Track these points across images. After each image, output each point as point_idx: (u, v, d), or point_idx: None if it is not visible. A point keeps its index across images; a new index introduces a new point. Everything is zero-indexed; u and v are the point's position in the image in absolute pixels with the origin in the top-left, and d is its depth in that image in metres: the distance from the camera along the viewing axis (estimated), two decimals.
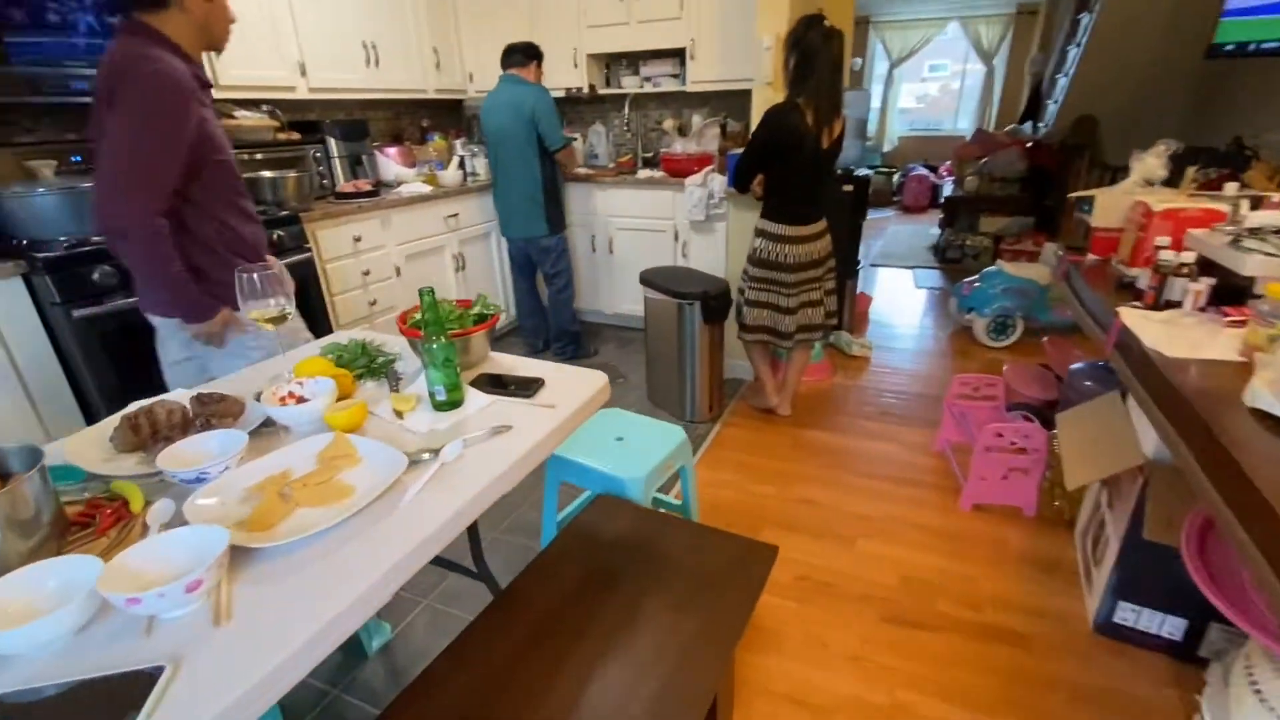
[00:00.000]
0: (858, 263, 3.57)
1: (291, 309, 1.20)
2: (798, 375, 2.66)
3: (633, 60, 3.67)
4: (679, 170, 3.24)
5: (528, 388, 1.17)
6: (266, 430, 1.04)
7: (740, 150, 2.54)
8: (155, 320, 1.49)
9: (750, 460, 2.39)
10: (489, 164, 3.10)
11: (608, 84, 3.77)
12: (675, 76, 3.48)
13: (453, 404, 1.10)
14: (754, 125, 2.40)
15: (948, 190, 5.88)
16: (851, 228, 3.29)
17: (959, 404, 2.32)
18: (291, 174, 2.41)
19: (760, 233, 2.36)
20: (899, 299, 4.39)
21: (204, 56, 2.03)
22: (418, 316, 1.29)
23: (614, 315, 3.79)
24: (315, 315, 2.40)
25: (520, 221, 3.09)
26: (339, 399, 1.09)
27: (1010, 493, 2.02)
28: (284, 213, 2.27)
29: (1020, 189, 4.97)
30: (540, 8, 3.55)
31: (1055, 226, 4.84)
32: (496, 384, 1.19)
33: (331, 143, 2.85)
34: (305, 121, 2.90)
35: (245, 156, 2.48)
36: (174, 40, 1.33)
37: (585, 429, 1.64)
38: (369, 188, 2.74)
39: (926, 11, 7.47)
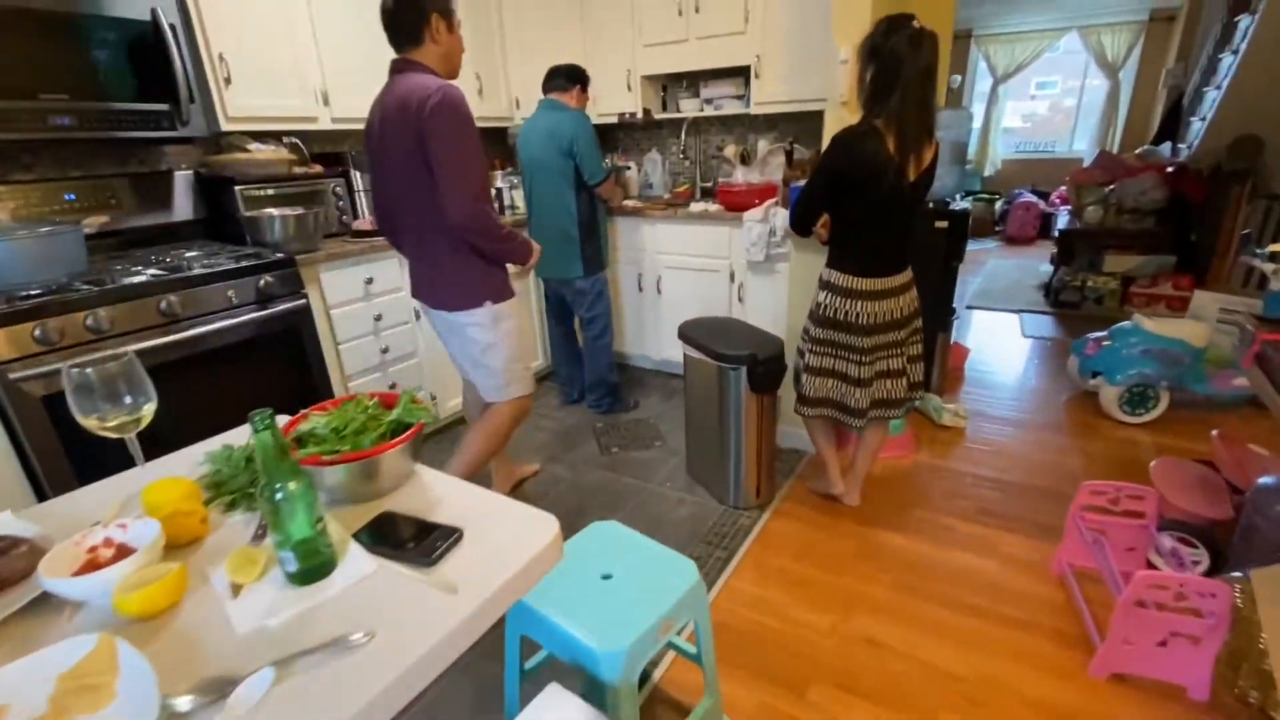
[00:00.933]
0: (951, 311, 3.00)
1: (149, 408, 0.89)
2: (871, 458, 2.15)
3: (692, 81, 3.31)
4: (737, 204, 2.82)
5: (431, 549, 0.79)
6: (54, 603, 0.72)
7: (803, 182, 2.10)
8: (461, 317, 1.79)
9: (802, 571, 1.90)
10: (525, 197, 2.81)
11: (664, 108, 3.43)
12: (739, 98, 3.08)
13: (311, 574, 0.74)
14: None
15: (1063, 221, 5.10)
16: (945, 271, 2.74)
17: (1090, 519, 1.74)
18: (291, 212, 2.20)
19: (826, 285, 1.90)
20: (1001, 350, 3.73)
21: (215, 89, 2.08)
22: (303, 427, 0.95)
23: (661, 361, 3.40)
24: (310, 368, 2.15)
25: (553, 261, 2.77)
26: (172, 548, 0.76)
27: (1170, 665, 1.43)
28: (276, 256, 2.05)
29: (1156, 222, 4.18)
30: (592, 28, 3.27)
31: (1203, 269, 4.02)
32: (392, 537, 0.82)
33: (356, 176, 2.66)
34: (333, 154, 2.72)
35: (255, 192, 2.30)
36: (433, 69, 1.63)
37: (566, 553, 1.24)
38: None
39: (1041, 22, 6.69)
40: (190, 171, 2.30)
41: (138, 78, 1.91)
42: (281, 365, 2.06)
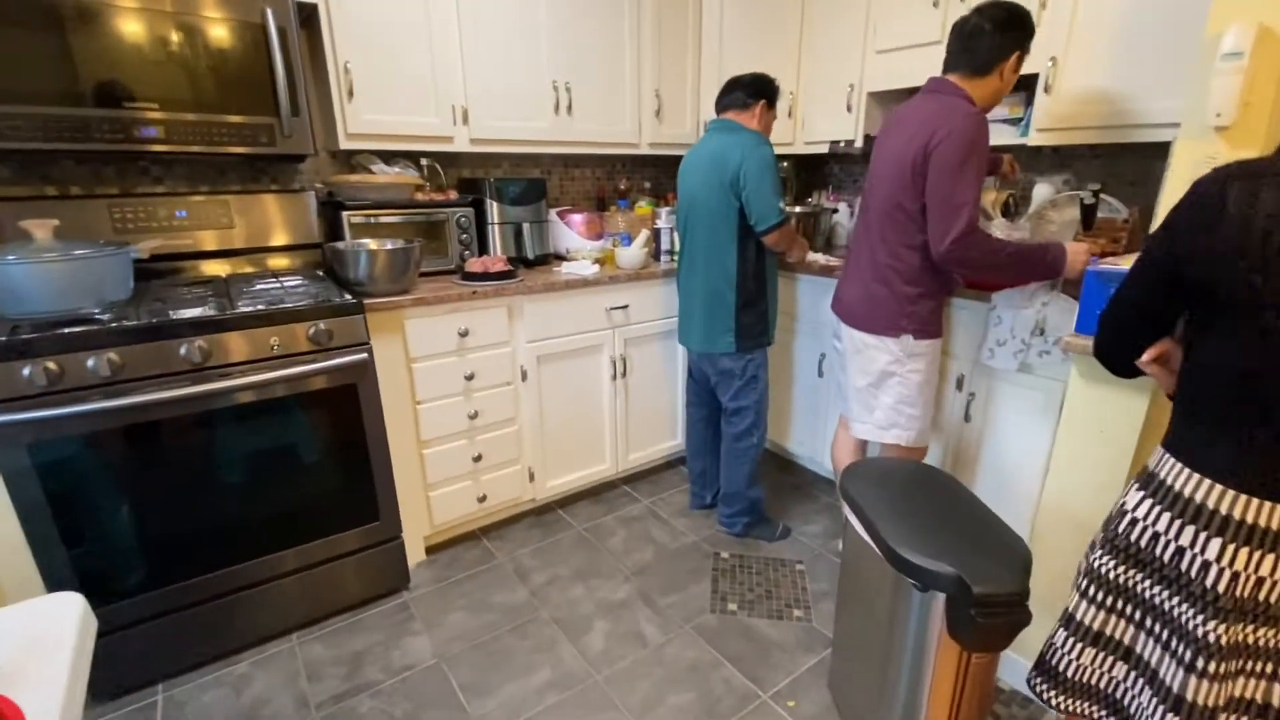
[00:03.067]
0: None
1: None
2: None
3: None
4: (982, 281, 1.85)
5: None
6: None
7: (1120, 263, 1.15)
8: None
9: None
10: (680, 240, 2.19)
11: None
12: (1012, 121, 2.08)
13: None
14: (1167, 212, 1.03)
15: None
16: None
17: None
18: (378, 246, 1.86)
19: (1150, 481, 0.93)
20: None
21: (338, 103, 1.91)
22: None
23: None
24: (362, 433, 1.77)
25: (699, 328, 2.09)
26: None
27: None
28: (339, 298, 1.70)
29: None
30: (812, 32, 2.53)
31: None
32: None
33: (491, 206, 2.29)
34: (471, 180, 2.39)
35: (362, 219, 2.02)
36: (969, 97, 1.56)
37: None
38: (501, 268, 2.07)
39: None
40: (311, 194, 2.11)
41: (245, 90, 1.70)
42: (326, 427, 1.70)
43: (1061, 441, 1.43)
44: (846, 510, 1.36)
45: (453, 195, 2.29)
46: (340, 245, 1.88)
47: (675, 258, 2.48)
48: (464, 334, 1.99)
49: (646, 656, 1.69)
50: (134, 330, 1.42)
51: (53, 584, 1.42)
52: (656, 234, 2.52)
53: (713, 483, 2.36)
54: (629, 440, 2.51)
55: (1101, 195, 1.65)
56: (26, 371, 1.31)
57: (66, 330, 1.36)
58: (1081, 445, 1.39)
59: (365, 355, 1.72)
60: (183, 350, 1.47)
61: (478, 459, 2.12)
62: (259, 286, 1.79)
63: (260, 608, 1.71)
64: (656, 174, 3.00)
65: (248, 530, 1.65)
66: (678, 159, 2.22)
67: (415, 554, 2.07)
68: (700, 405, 2.31)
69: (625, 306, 2.34)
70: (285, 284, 1.84)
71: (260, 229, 2.03)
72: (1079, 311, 1.29)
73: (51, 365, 1.33)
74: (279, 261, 2.08)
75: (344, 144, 1.97)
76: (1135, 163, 1.99)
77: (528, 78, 2.26)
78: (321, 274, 2.01)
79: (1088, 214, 1.66)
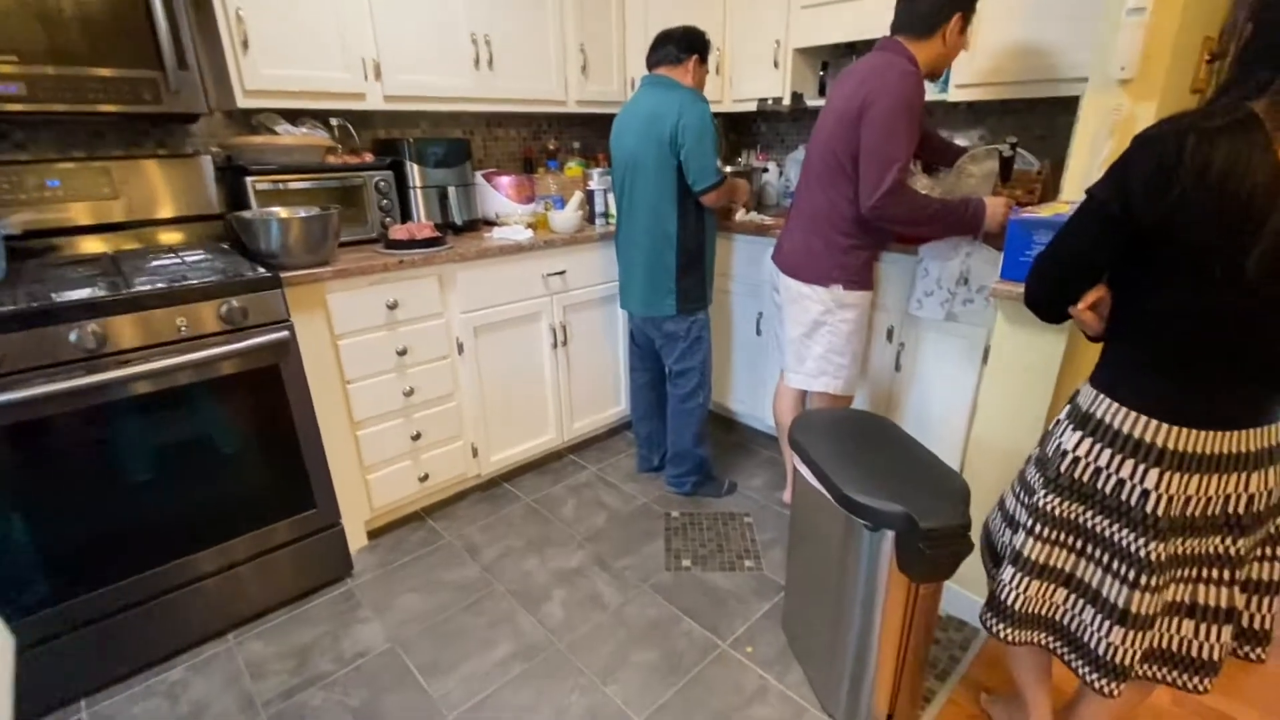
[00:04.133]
0: None
1: None
2: None
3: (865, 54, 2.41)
4: (907, 235, 1.92)
5: None
6: None
7: (1046, 212, 1.22)
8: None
9: None
10: (616, 204, 2.14)
11: (822, 91, 2.56)
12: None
13: None
14: (1103, 158, 1.10)
15: None
16: None
17: None
18: (293, 215, 1.71)
19: (1086, 420, 0.99)
20: None
21: (232, 56, 1.72)
22: None
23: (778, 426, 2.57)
24: (288, 418, 1.65)
25: (639, 292, 2.07)
26: None
27: None
28: (254, 272, 1.56)
29: None
30: None
31: None
32: None
33: (412, 169, 2.15)
34: (388, 140, 2.24)
35: (268, 186, 1.85)
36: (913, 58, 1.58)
37: None
38: (429, 234, 1.96)
39: None
40: (207, 159, 1.90)
41: (120, 39, 1.49)
42: (248, 413, 1.58)
43: (989, 382, 1.53)
44: (796, 460, 1.41)
45: (369, 158, 2.13)
46: (247, 214, 1.71)
47: (612, 220, 2.43)
48: (393, 306, 1.88)
49: (607, 619, 1.71)
50: (11, 316, 1.24)
51: None
52: (590, 196, 2.46)
53: (659, 445, 2.38)
54: (573, 409, 2.48)
55: (1017, 147, 1.73)
56: None
57: None
58: (1006, 385, 1.48)
59: (286, 333, 1.59)
60: (73, 336, 1.30)
61: (416, 437, 2.03)
62: (156, 263, 1.61)
63: (190, 609, 1.59)
64: (585, 134, 2.91)
65: (167, 530, 1.52)
66: (607, 118, 2.15)
67: (357, 540, 1.98)
68: (644, 370, 2.31)
69: (562, 272, 2.28)
70: (186, 259, 1.67)
71: (149, 199, 1.82)
72: (1004, 260, 1.36)
73: None
74: (173, 236, 1.88)
75: (241, 102, 1.78)
76: (1043, 117, 2.10)
77: (444, 29, 2.11)
78: (226, 247, 1.84)
79: (1005, 166, 1.74)
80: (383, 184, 2.08)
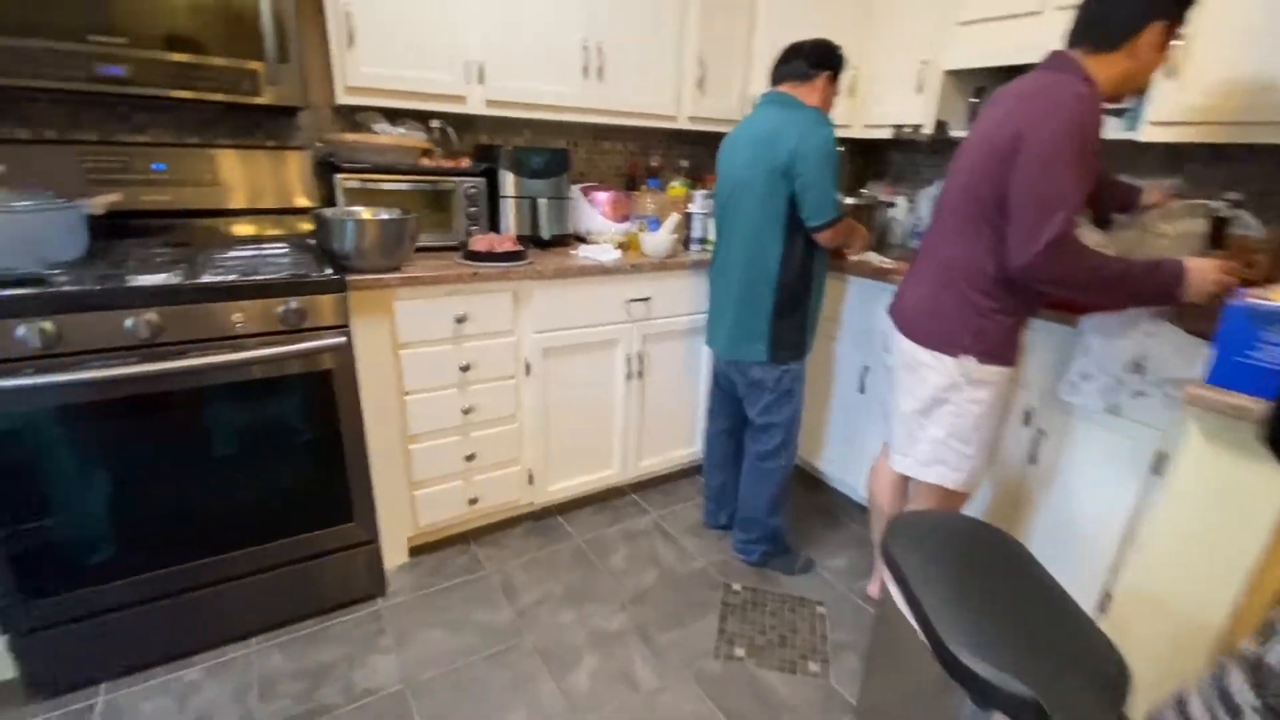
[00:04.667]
0: None
1: None
2: None
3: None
4: (1070, 302, 1.54)
5: None
6: None
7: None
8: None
9: None
10: (716, 231, 1.93)
11: (972, 119, 2.21)
12: (1116, 113, 1.74)
13: None
14: None
15: None
16: None
17: None
18: (372, 216, 1.65)
19: None
20: None
21: (337, 51, 1.71)
22: None
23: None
24: (335, 427, 1.58)
25: (728, 330, 1.84)
26: None
27: None
28: (323, 273, 1.50)
29: None
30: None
31: None
32: None
33: (505, 178, 2.05)
34: (488, 147, 2.16)
35: (357, 184, 1.82)
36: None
37: None
38: (509, 247, 1.85)
39: None
40: (308, 153, 1.91)
41: (225, 29, 1.49)
42: (293, 418, 1.52)
43: (1165, 512, 1.15)
44: (887, 576, 1.12)
45: (464, 163, 2.06)
46: (327, 212, 1.67)
47: (709, 248, 2.22)
48: (461, 320, 1.78)
49: (637, 704, 1.48)
50: (71, 297, 1.24)
51: None
52: (688, 219, 2.26)
53: (730, 501, 2.12)
54: (641, 446, 2.28)
55: (1240, 206, 1.33)
56: None
57: None
58: (1192, 523, 1.11)
59: (343, 339, 1.52)
60: (128, 323, 1.29)
61: (471, 458, 1.92)
62: (234, 254, 1.61)
63: (219, 609, 1.55)
64: (694, 152, 2.72)
65: (205, 525, 1.48)
66: (719, 136, 1.95)
67: (397, 555, 1.89)
68: (723, 415, 2.07)
69: (647, 299, 2.10)
70: (265, 253, 1.65)
71: (247, 188, 1.84)
72: (1216, 358, 1.01)
73: None
74: (270, 227, 1.90)
75: (342, 98, 1.75)
76: (1270, 169, 1.64)
77: (555, 34, 2.01)
78: (311, 243, 1.82)
79: (1219, 229, 1.34)
80: (473, 190, 2.00)
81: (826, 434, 2.35)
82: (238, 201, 1.83)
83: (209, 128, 1.84)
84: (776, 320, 1.76)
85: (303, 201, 1.91)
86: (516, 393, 1.96)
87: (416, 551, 1.96)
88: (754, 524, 1.96)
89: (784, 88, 1.74)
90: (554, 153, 2.14)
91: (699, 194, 2.30)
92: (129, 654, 1.48)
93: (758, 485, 1.93)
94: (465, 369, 1.83)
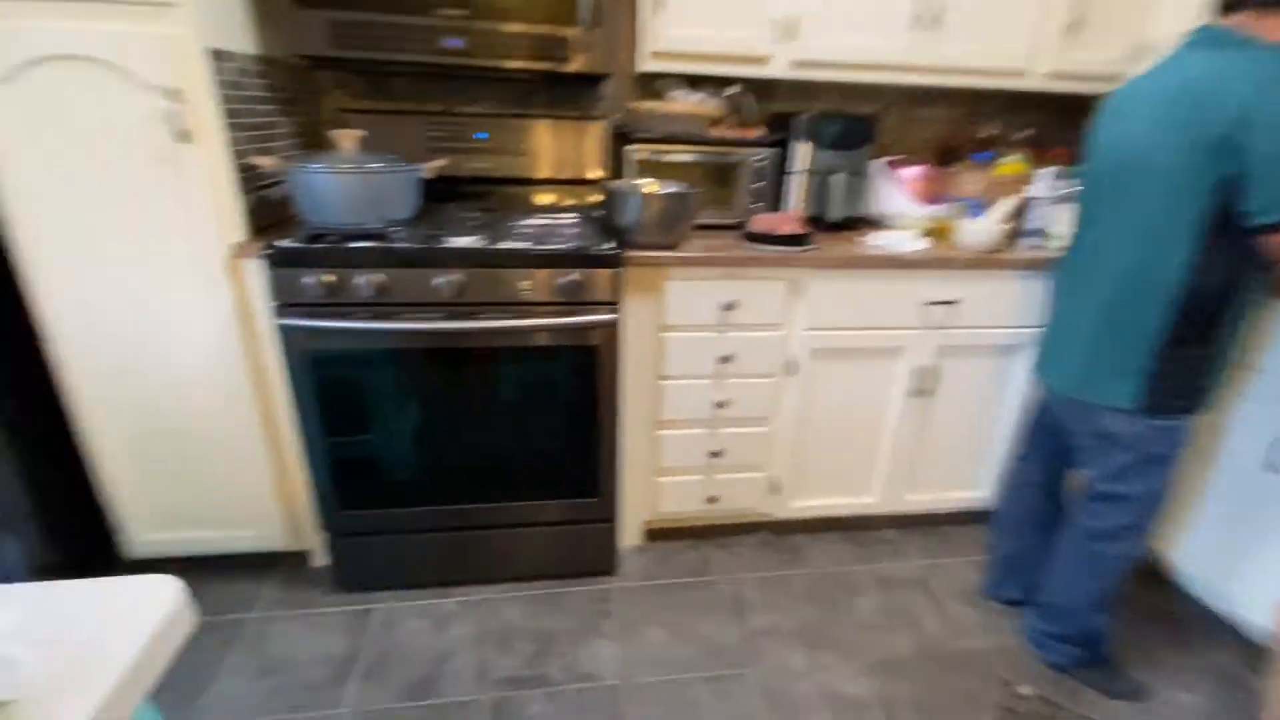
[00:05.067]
0: None
1: None
2: None
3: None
4: None
5: None
6: None
7: None
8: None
9: None
10: (1079, 222, 1.45)
11: None
12: None
13: None
14: None
15: None
16: None
17: None
18: (655, 190, 1.55)
19: None
20: None
21: (646, 14, 1.62)
22: None
23: (1256, 626, 1.55)
24: (598, 407, 1.56)
25: (1075, 359, 1.38)
26: None
27: None
28: (603, 248, 1.45)
29: None
30: None
31: None
32: None
33: (795, 149, 1.81)
34: (785, 115, 1.93)
35: (646, 154, 1.75)
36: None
37: None
38: (791, 229, 1.61)
39: None
40: (606, 123, 1.90)
41: None
42: (556, 388, 1.53)
43: None
44: None
45: (754, 134, 1.87)
46: (612, 185, 1.63)
47: (1053, 244, 1.71)
48: (729, 307, 1.62)
49: None
50: (397, 254, 1.37)
51: (312, 474, 1.52)
52: (1025, 205, 1.77)
53: (1027, 574, 1.64)
54: (911, 476, 1.91)
55: None
56: (308, 280, 1.34)
57: (347, 245, 1.36)
58: None
59: (613, 316, 1.47)
60: (437, 281, 1.38)
61: (716, 454, 1.78)
62: (530, 222, 1.67)
63: (479, 551, 1.67)
64: (1043, 119, 2.13)
65: (477, 473, 1.59)
66: (1080, 100, 1.43)
67: (632, 534, 1.86)
68: (1038, 465, 1.59)
69: (953, 303, 1.69)
70: (556, 223, 1.68)
71: (553, 159, 1.91)
72: None
73: (328, 278, 1.35)
74: (566, 197, 1.95)
75: (644, 65, 1.69)
76: None
77: None
78: (599, 215, 1.82)
79: None
80: (762, 164, 1.80)
81: (1194, 518, 1.69)
82: (542, 171, 1.91)
83: (526, 99, 1.94)
84: (1164, 352, 1.24)
85: (596, 173, 1.92)
86: (775, 393, 1.75)
87: (652, 535, 1.91)
88: (1066, 617, 1.48)
89: (1230, 20, 1.18)
90: (856, 121, 1.83)
91: (1045, 172, 1.78)
92: (406, 574, 1.68)
93: (1082, 571, 1.44)
94: (725, 360, 1.67)
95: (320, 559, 1.70)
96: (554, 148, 1.90)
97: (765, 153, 1.81)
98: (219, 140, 1.32)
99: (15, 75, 1.22)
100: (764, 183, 1.83)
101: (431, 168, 1.50)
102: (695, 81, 1.88)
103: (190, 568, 1.72)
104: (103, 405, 1.47)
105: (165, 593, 0.57)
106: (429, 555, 1.65)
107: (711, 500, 1.84)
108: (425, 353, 1.44)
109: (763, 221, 1.66)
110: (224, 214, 1.36)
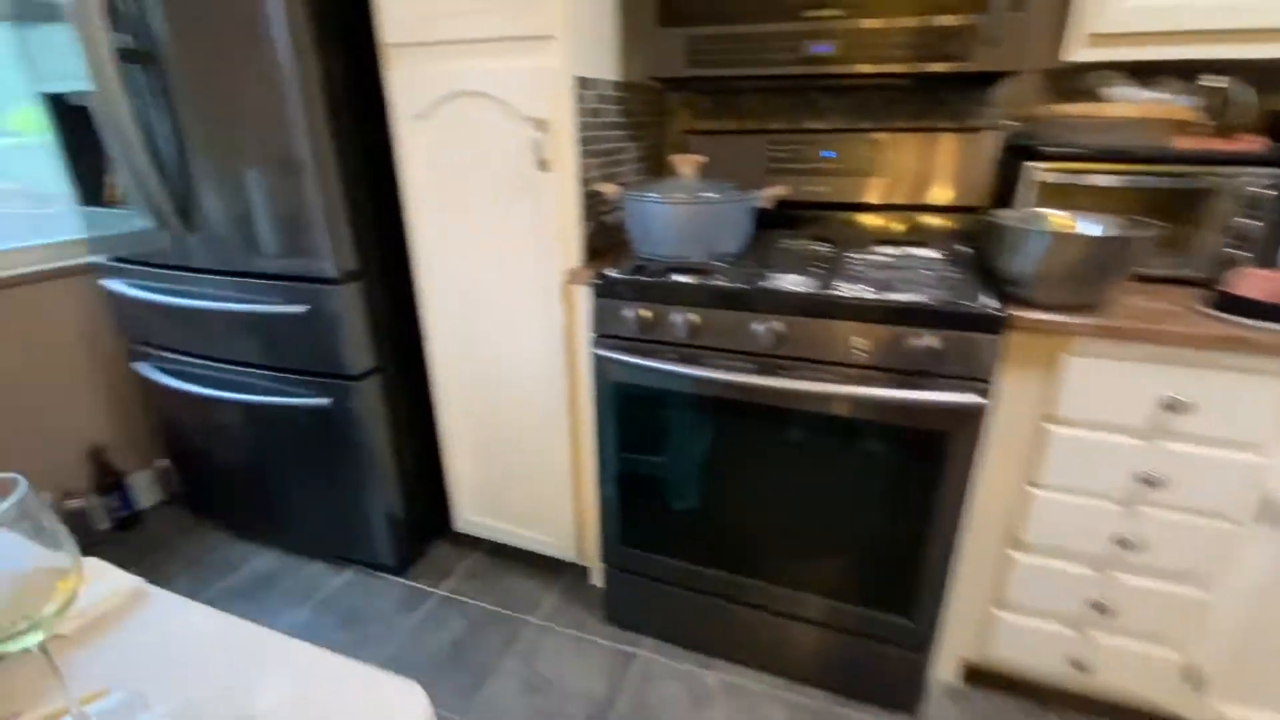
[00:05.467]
0: None
1: None
2: None
3: None
4: None
5: None
6: None
7: None
8: None
9: None
10: None
11: None
12: None
13: None
14: None
15: None
16: None
17: None
18: (1070, 226, 1.08)
19: None
20: None
21: None
22: None
23: None
24: (934, 509, 1.19)
25: None
26: None
27: None
28: (973, 303, 1.08)
29: None
30: None
31: None
32: None
33: None
34: None
35: (1054, 176, 1.28)
36: None
37: None
38: None
39: None
40: (994, 135, 1.47)
41: None
42: (885, 473, 1.21)
43: None
44: None
45: (1245, 144, 1.24)
46: (1004, 215, 1.22)
47: None
48: (1170, 406, 1.08)
49: None
50: (715, 292, 1.22)
51: (602, 503, 1.49)
52: None
53: None
54: None
55: None
56: (627, 314, 1.28)
57: (668, 279, 1.26)
58: None
59: (978, 399, 1.08)
60: (756, 327, 1.19)
61: (1099, 607, 1.24)
62: (872, 258, 1.36)
63: (753, 631, 1.46)
64: None
65: (762, 544, 1.38)
66: None
67: (945, 672, 1.44)
68: None
69: None
70: (909, 263, 1.35)
71: (910, 180, 1.56)
72: None
73: (645, 313, 1.27)
74: (921, 228, 1.59)
75: (1072, 53, 1.23)
76: None
77: None
78: (970, 252, 1.41)
79: None
80: (1255, 191, 1.18)
81: None
82: (898, 195, 1.58)
83: (885, 109, 1.63)
84: None
85: (969, 199, 1.52)
86: (1224, 545, 1.13)
87: (973, 680, 1.45)
88: None
89: None
90: None
91: None
92: (671, 626, 1.55)
93: None
94: (1147, 481, 1.13)
95: (597, 579, 1.69)
96: (916, 167, 1.55)
97: (1265, 174, 1.18)
98: (572, 168, 1.34)
99: (432, 111, 1.40)
100: (1257, 220, 1.19)
101: (769, 196, 1.31)
102: (1149, 72, 1.33)
103: (496, 551, 1.89)
104: (460, 405, 1.68)
105: (418, 705, 0.52)
106: (696, 617, 1.50)
107: (1076, 665, 1.30)
108: (730, 404, 1.27)
109: (1254, 282, 1.07)
110: (568, 240, 1.39)
